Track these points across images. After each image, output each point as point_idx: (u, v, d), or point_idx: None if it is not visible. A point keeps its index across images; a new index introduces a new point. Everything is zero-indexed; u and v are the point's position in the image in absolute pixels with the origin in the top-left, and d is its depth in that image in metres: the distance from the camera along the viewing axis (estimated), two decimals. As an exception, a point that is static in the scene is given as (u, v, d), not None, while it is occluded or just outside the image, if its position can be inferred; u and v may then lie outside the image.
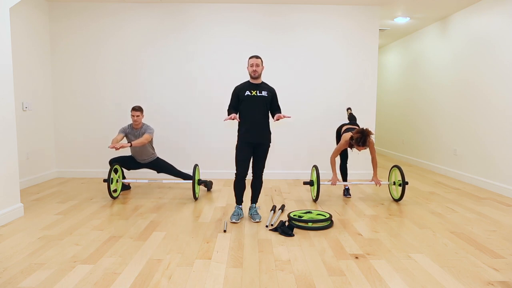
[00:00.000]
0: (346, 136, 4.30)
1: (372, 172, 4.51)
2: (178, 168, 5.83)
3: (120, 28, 5.72)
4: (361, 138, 4.06)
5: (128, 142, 4.68)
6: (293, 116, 5.84)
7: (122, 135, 4.66)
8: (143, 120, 5.45)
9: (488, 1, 5.19)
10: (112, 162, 4.74)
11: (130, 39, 5.73)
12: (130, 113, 5.75)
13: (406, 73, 7.87)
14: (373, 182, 4.42)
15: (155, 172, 5.83)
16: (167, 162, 4.93)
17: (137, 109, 4.64)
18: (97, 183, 5.41)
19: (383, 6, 5.71)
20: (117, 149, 4.22)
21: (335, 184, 4.38)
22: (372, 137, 4.29)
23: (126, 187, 4.95)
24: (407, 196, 4.76)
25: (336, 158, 4.44)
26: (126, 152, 5.65)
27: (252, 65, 3.58)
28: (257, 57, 3.61)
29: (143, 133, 4.64)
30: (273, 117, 3.73)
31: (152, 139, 4.69)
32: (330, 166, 5.74)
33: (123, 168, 4.80)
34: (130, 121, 5.80)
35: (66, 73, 5.77)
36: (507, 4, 4.81)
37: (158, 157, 4.93)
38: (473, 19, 5.53)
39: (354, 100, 5.85)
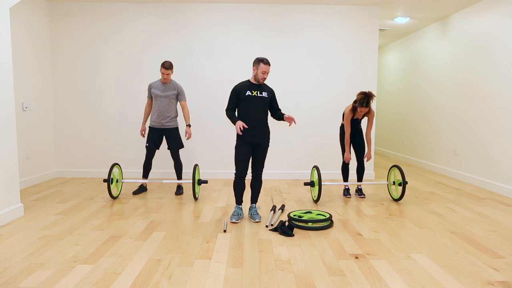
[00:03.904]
0: (349, 106, 4.44)
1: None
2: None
3: (120, 28, 5.72)
4: (364, 99, 4.21)
5: (152, 99, 4.70)
6: (293, 116, 5.84)
7: (149, 100, 4.71)
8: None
9: (488, 1, 5.19)
10: (148, 158, 4.70)
11: (130, 39, 5.73)
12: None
13: (406, 73, 7.87)
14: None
15: (157, 168, 5.84)
16: (181, 140, 4.74)
17: (168, 67, 4.46)
18: (97, 183, 5.41)
19: (383, 6, 5.71)
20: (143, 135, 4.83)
21: (348, 161, 4.53)
22: (373, 105, 4.35)
23: (143, 189, 4.85)
24: (407, 196, 4.76)
25: (345, 158, 4.53)
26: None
27: (264, 73, 3.56)
28: (270, 64, 3.60)
29: (172, 88, 4.60)
30: (272, 116, 3.81)
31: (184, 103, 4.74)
32: (329, 167, 5.76)
33: (156, 150, 4.74)
34: (130, 124, 5.80)
35: (66, 73, 5.77)
36: (507, 4, 4.81)
37: (177, 128, 4.73)
38: (473, 19, 5.53)
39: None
